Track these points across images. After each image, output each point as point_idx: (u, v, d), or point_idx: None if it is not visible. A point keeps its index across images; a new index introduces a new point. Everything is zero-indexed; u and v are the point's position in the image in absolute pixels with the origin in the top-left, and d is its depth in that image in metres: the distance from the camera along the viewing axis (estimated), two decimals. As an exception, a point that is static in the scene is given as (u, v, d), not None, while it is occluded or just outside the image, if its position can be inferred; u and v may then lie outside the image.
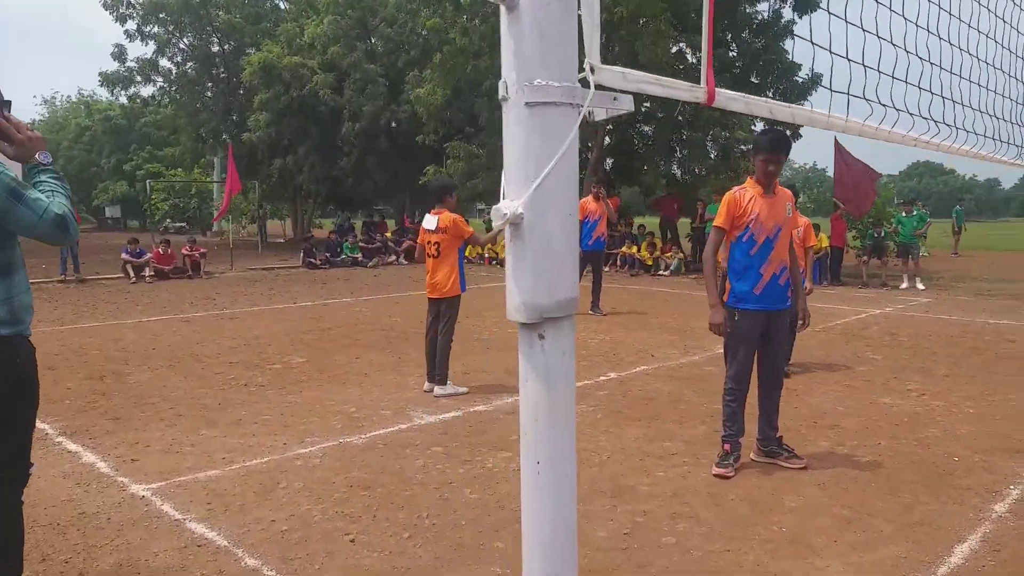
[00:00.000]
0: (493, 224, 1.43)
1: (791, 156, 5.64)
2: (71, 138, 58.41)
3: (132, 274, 15.72)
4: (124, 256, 16.18)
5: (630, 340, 8.89)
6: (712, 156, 19.37)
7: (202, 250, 17.20)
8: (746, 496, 4.12)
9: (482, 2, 18.65)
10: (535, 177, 1.38)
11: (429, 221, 6.45)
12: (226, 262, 18.81)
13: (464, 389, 6.45)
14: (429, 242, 6.44)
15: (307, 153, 27.39)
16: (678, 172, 21.59)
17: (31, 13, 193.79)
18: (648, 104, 20.07)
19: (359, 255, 20.02)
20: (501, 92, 1.40)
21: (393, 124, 25.12)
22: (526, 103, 1.36)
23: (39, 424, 5.43)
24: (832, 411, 5.77)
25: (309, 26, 25.46)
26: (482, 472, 4.52)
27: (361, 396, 6.32)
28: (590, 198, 11.16)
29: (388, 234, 23.15)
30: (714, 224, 4.41)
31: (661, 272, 16.99)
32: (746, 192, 4.34)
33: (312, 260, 19.09)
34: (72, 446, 4.97)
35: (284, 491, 4.22)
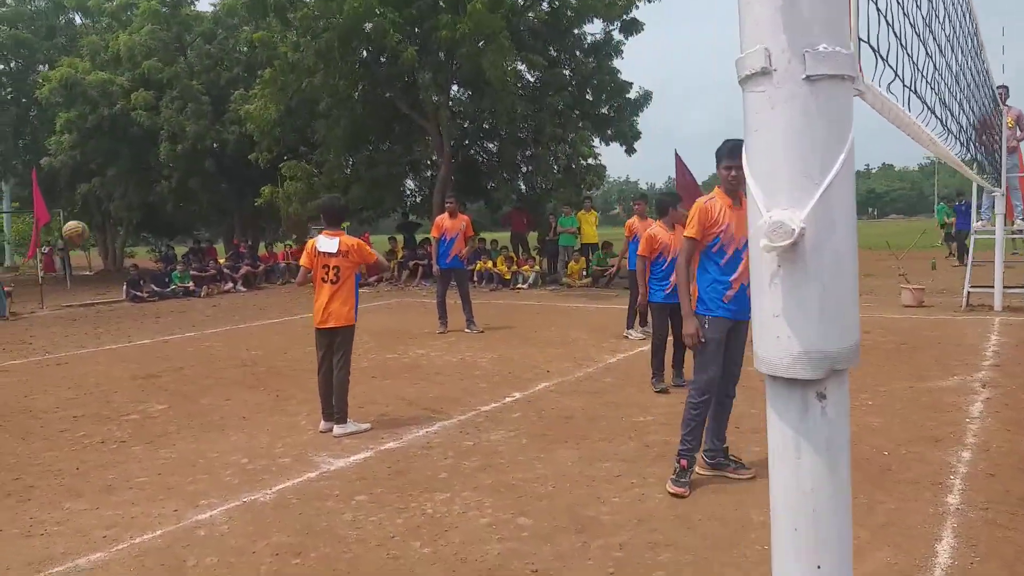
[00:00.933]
0: (769, 244, 1.04)
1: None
2: None
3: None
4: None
5: (518, 357, 8.63)
6: (556, 172, 19.70)
7: (6, 288, 15.03)
8: (713, 515, 3.95)
9: (315, 17, 17.80)
10: (820, 177, 1.02)
11: (327, 243, 5.87)
12: (34, 299, 16.57)
13: (366, 425, 5.88)
14: (326, 266, 5.84)
15: (118, 177, 24.95)
16: (524, 188, 21.80)
17: None
18: (491, 122, 20.15)
19: (191, 284, 18.38)
20: (754, 65, 1.03)
21: (215, 145, 23.43)
22: (806, 76, 1.01)
23: None
24: (746, 414, 5.79)
25: (119, 37, 23.22)
26: (424, 520, 4.03)
27: (249, 443, 5.58)
28: (446, 215, 10.79)
29: (221, 260, 21.52)
30: (686, 235, 4.26)
31: (519, 285, 16.95)
32: (715, 202, 4.24)
33: (137, 293, 17.27)
34: None
35: (197, 571, 3.52)
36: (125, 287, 17.64)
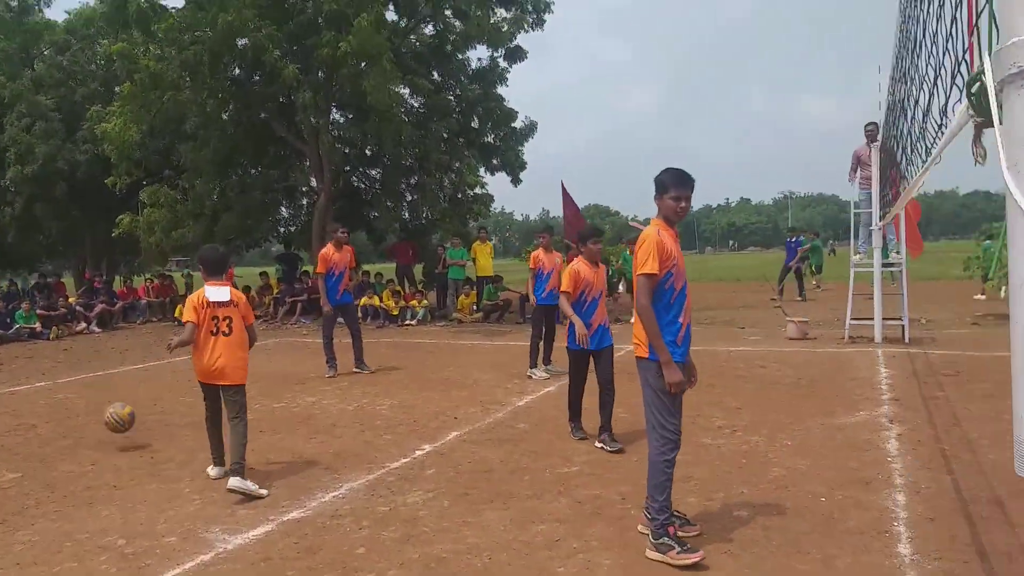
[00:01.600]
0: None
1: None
2: None
3: None
4: None
5: (420, 402, 8.14)
6: (443, 200, 19.37)
7: None
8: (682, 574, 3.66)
9: (182, 29, 16.65)
10: None
11: (218, 292, 5.41)
12: None
13: (264, 492, 5.23)
14: (216, 317, 5.37)
15: (-52, 203, 22.36)
16: (408, 217, 21.31)
17: None
18: (374, 148, 19.60)
19: (37, 325, 16.58)
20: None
21: (65, 168, 21.44)
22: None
23: None
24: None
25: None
26: (350, 609, 3.52)
27: (124, 520, 4.81)
28: (330, 247, 10.14)
29: (71, 298, 19.62)
30: (645, 272, 3.85)
31: (408, 321, 16.37)
32: (664, 234, 3.99)
33: (-27, 335, 15.37)
34: None
35: None
36: (-42, 328, 15.68)
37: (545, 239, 9.50)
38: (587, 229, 6.72)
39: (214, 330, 5.36)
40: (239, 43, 16.97)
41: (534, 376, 9.25)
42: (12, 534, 4.60)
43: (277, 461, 6.04)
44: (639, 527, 4.22)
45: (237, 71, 18.61)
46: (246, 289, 19.14)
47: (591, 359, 6.31)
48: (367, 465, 5.83)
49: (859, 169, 12.04)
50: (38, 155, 20.03)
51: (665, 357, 3.85)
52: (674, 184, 3.96)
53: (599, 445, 6.02)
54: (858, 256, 11.81)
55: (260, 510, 4.90)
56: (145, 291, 21.07)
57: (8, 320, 16.46)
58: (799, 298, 18.71)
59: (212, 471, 5.68)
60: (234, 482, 5.16)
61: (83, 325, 17.52)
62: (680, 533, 4.06)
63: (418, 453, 6.14)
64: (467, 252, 17.74)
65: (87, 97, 21.77)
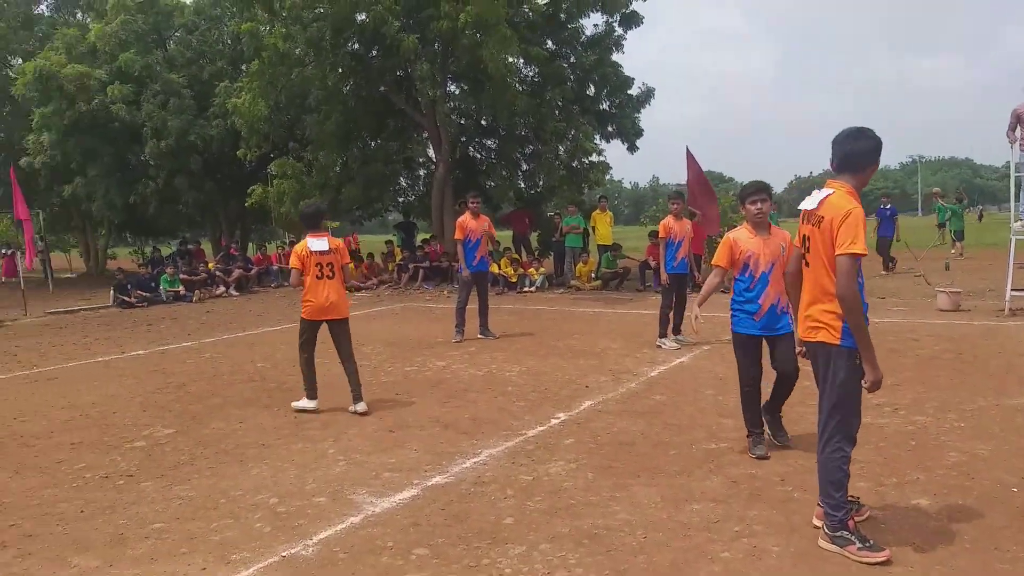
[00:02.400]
0: None
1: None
2: None
3: None
4: None
5: (549, 369, 8.02)
6: (559, 169, 19.08)
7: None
8: (864, 570, 3.35)
9: (305, 6, 17.04)
10: None
11: (318, 243, 6.46)
12: (16, 306, 15.74)
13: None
14: (320, 264, 6.43)
15: (99, 177, 23.97)
16: (523, 186, 21.18)
17: None
18: (489, 118, 19.51)
19: (181, 289, 17.59)
20: None
21: (199, 142, 22.55)
22: None
23: None
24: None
25: (94, 27, 22.30)
26: (505, 582, 3.42)
27: (275, 478, 4.93)
28: (468, 215, 10.21)
29: (211, 264, 20.71)
30: (854, 251, 3.46)
31: (527, 288, 16.33)
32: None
33: (125, 298, 16.47)
34: None
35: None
36: (112, 292, 16.85)
37: (677, 205, 9.11)
38: (748, 186, 5.12)
39: (319, 275, 6.38)
40: (359, 18, 17.26)
41: (664, 346, 8.95)
42: (170, 488, 4.79)
43: (415, 424, 6.05)
44: (814, 520, 3.86)
45: (357, 46, 18.94)
46: (369, 256, 19.69)
47: (764, 346, 5.01)
48: (504, 432, 5.75)
49: (1019, 128, 10.91)
50: (172, 130, 21.10)
51: (870, 352, 3.37)
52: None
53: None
54: (1020, 223, 10.73)
55: (404, 474, 4.89)
56: (278, 258, 21.98)
57: (154, 284, 17.54)
58: (883, 272, 17.12)
59: (309, 404, 6.58)
60: (362, 406, 6.39)
61: (222, 289, 18.46)
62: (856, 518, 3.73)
63: (554, 421, 6.01)
64: (583, 219, 17.46)
65: (215, 75, 22.75)
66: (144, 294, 16.86)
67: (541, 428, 5.83)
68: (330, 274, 6.44)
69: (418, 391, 7.27)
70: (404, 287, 17.71)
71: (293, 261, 6.53)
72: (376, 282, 18.23)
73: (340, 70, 18.83)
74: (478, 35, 16.00)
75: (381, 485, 4.72)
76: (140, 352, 10.32)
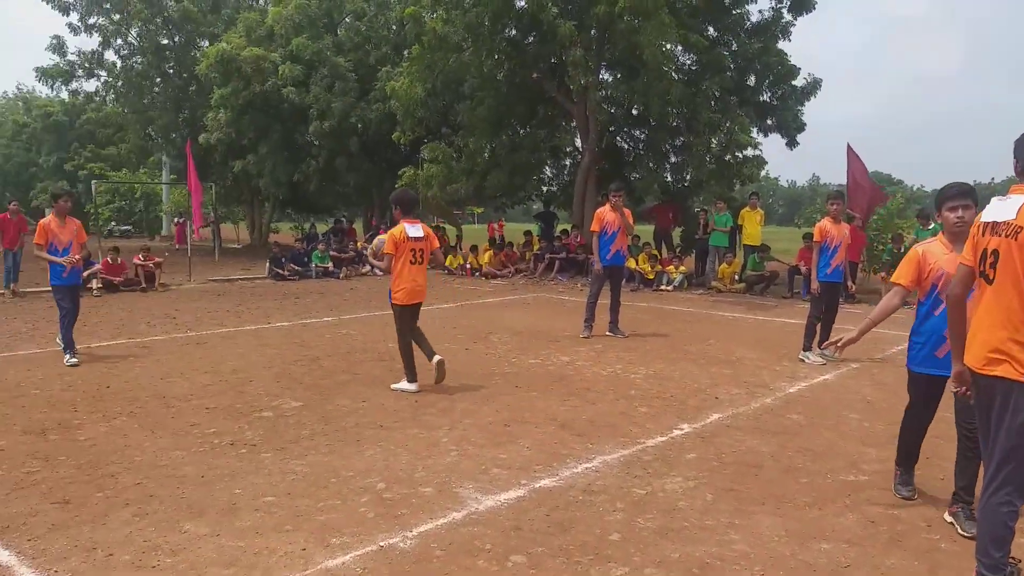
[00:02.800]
0: None
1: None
2: (8, 136, 55.35)
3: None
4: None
5: (678, 375, 7.63)
6: (710, 162, 18.30)
7: (156, 259, 15.47)
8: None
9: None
10: None
11: (414, 230, 6.75)
12: (182, 271, 17.06)
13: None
14: (414, 250, 6.73)
15: (268, 154, 25.59)
16: (670, 179, 20.53)
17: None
18: (640, 107, 19.01)
19: (330, 265, 18.43)
20: None
21: (360, 125, 23.54)
22: None
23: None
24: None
25: (272, 10, 23.76)
26: (602, 605, 3.19)
27: (386, 461, 4.92)
28: (607, 207, 9.92)
29: (360, 243, 21.57)
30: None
31: (664, 287, 15.81)
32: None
33: (279, 271, 17.45)
34: (2, 556, 3.48)
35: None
36: (268, 265, 17.89)
37: (836, 206, 8.39)
38: (949, 188, 4.14)
39: (413, 260, 6.72)
40: (518, 3, 17.32)
41: (807, 360, 8.29)
42: (287, 462, 4.89)
43: (531, 420, 5.90)
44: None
45: (513, 32, 19.03)
46: (508, 244, 19.81)
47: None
48: (621, 438, 5.48)
49: None
50: (335, 111, 22.11)
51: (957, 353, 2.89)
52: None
53: (948, 520, 4.06)
54: None
55: (513, 472, 4.75)
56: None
57: (306, 259, 18.47)
58: None
59: (410, 386, 6.79)
60: (438, 358, 6.86)
61: (368, 268, 19.15)
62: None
63: (676, 433, 5.67)
64: (732, 218, 16.65)
65: (379, 60, 23.59)
66: (296, 268, 17.79)
67: (662, 438, 5.51)
68: (420, 260, 6.83)
69: (539, 385, 7.11)
70: (539, 277, 17.65)
71: (388, 247, 6.74)
72: (512, 270, 18.29)
73: (496, 56, 19.04)
74: (636, 21, 15.60)
75: (488, 481, 4.60)
76: (284, 324, 10.82)
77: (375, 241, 8.08)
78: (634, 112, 20.01)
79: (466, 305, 13.25)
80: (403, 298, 6.78)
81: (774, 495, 4.41)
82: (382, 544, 3.72)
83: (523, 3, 16.85)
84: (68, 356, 7.80)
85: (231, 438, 5.38)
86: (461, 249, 20.67)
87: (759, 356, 8.67)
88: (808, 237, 13.13)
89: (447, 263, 19.28)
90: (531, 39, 18.96)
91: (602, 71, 19.13)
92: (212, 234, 30.08)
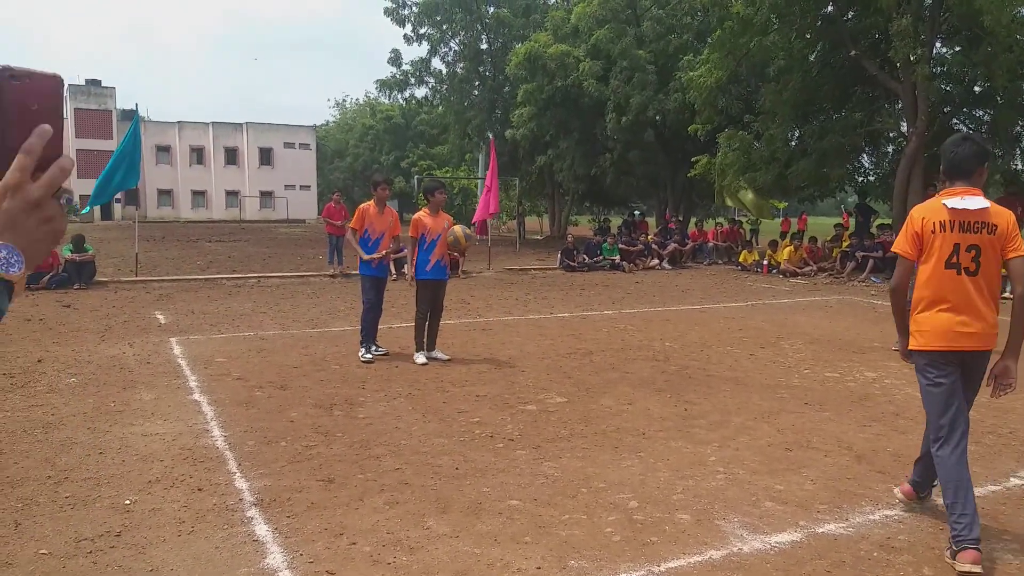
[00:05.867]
0: None
1: None
2: (356, 137, 63.96)
3: (393, 270, 15.38)
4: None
5: (1019, 405, 6.12)
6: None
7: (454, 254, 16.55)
8: None
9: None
10: None
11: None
12: (484, 260, 18.07)
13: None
14: None
15: (568, 149, 26.28)
16: (1020, 167, 17.19)
17: (322, 24, 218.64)
18: (984, 84, 16.12)
19: (618, 257, 18.30)
20: None
21: (658, 117, 23.10)
22: None
23: (237, 482, 4.31)
24: None
25: (575, 8, 24.26)
26: None
27: (643, 476, 4.48)
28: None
29: (649, 237, 21.20)
30: None
31: (1005, 295, 13.17)
32: None
33: (570, 262, 17.73)
34: (261, 529, 3.68)
35: None
36: (560, 256, 18.28)
37: None
38: None
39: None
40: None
41: None
42: (540, 463, 4.66)
43: (820, 447, 5.04)
44: None
45: (830, 8, 17.26)
46: (812, 239, 18.08)
47: None
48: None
49: None
50: (632, 106, 21.89)
51: None
52: None
53: None
54: None
55: (790, 509, 4.03)
56: (714, 234, 21.59)
57: (597, 251, 18.55)
58: None
59: (421, 358, 7.37)
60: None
61: (655, 261, 18.74)
62: None
63: (1014, 482, 4.46)
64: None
65: (680, 48, 22.91)
66: (586, 259, 17.93)
67: (993, 487, 4.36)
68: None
69: (834, 404, 6.13)
70: (847, 277, 15.78)
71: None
72: (815, 268, 16.60)
73: (808, 35, 17.47)
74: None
75: (758, 516, 3.94)
76: (565, 315, 10.82)
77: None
78: (976, 89, 17.05)
79: (757, 305, 12.21)
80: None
81: None
82: None
83: None
84: (363, 351, 7.50)
85: (491, 430, 5.32)
86: (757, 244, 19.32)
87: None
88: None
89: (741, 259, 18.13)
90: (850, 15, 17.05)
91: (935, 43, 16.53)
92: (516, 225, 31.76)
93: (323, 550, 3.46)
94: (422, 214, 7.59)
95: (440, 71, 32.82)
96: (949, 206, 3.53)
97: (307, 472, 4.43)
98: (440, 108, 37.42)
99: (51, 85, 1.00)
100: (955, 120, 18.29)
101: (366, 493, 4.15)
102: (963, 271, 3.51)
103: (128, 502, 3.95)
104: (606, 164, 25.33)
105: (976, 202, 3.47)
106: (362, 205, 7.91)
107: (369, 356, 7.50)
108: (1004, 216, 3.52)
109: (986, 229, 3.49)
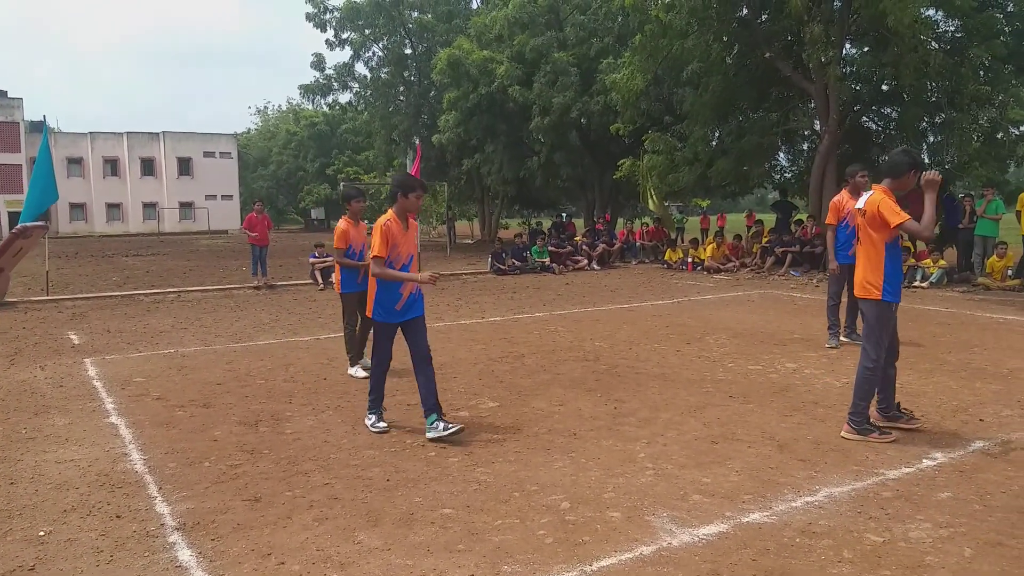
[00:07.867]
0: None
1: None
2: (280, 144, 62.70)
3: (320, 280, 15.14)
4: (312, 260, 15.74)
5: (932, 390, 6.44)
6: (977, 140, 15.78)
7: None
8: None
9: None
10: None
11: None
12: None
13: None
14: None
15: (495, 152, 26.38)
16: (927, 161, 18.07)
17: (243, 36, 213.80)
18: (891, 82, 16.91)
19: (548, 260, 18.45)
20: None
21: (583, 120, 23.42)
22: None
23: (158, 506, 4.16)
24: None
25: (497, 13, 24.41)
26: None
27: (574, 476, 4.52)
28: (844, 194, 8.68)
29: (579, 237, 21.44)
30: None
31: (918, 283, 13.86)
32: None
33: (500, 266, 17.78)
34: (185, 555, 3.55)
35: None
36: (490, 260, 18.30)
37: None
38: None
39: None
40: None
41: (1113, 378, 6.61)
42: (472, 470, 4.65)
43: (744, 439, 5.18)
44: None
45: (744, 11, 17.82)
46: (736, 236, 18.61)
47: None
48: (854, 467, 4.61)
49: None
50: (555, 106, 22.14)
51: None
52: None
53: None
54: None
55: (717, 501, 4.13)
56: (640, 234, 21.99)
57: (526, 254, 18.64)
58: None
59: (359, 371, 7.19)
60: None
61: (584, 262, 18.96)
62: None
63: (926, 463, 4.67)
64: (1003, 204, 14.21)
65: (601, 52, 23.28)
66: (516, 263, 18.00)
67: (907, 470, 4.56)
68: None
69: (757, 396, 6.32)
70: (767, 272, 16.31)
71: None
72: (738, 264, 17.09)
73: (724, 38, 17.99)
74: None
75: (687, 510, 4.02)
76: (497, 319, 10.84)
77: None
78: (884, 88, 17.88)
79: (683, 302, 12.49)
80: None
81: (1064, 562, 3.39)
82: (555, 577, 3.32)
83: None
84: (374, 419, 5.60)
85: (423, 440, 5.27)
86: (682, 242, 19.78)
87: (1042, 370, 7.11)
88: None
89: (667, 257, 18.53)
90: (764, 18, 17.65)
91: (845, 45, 17.26)
92: (447, 230, 31.68)
93: (250, 572, 3.36)
94: (346, 224, 7.23)
95: (364, 76, 32.52)
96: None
97: (232, 492, 4.31)
98: (365, 114, 37.08)
99: None
100: (864, 118, 19.14)
101: (294, 510, 4.06)
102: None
103: (42, 533, 3.77)
104: (534, 167, 25.53)
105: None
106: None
107: (383, 425, 5.57)
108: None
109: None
